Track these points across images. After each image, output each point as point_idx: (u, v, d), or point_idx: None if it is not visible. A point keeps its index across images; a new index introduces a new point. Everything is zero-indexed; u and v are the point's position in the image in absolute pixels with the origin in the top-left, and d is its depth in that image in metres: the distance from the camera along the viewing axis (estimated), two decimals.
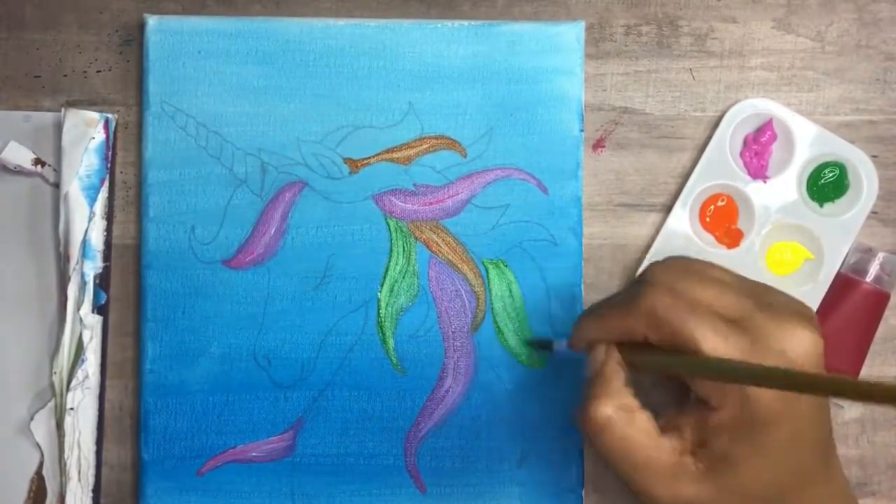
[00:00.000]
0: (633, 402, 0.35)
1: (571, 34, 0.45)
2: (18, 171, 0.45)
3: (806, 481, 0.35)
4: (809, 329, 0.34)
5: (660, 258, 0.44)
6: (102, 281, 0.44)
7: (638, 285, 0.36)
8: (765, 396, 0.33)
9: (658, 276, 0.35)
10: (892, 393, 0.27)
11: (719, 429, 0.34)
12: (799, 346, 0.33)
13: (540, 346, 0.44)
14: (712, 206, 0.45)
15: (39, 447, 0.44)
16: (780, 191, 0.45)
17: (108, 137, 0.45)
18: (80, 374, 0.43)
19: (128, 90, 0.45)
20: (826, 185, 0.45)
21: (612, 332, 0.36)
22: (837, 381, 0.29)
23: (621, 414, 0.35)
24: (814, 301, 0.45)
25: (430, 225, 0.44)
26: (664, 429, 0.36)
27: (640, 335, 0.35)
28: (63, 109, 0.44)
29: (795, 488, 0.35)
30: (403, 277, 0.44)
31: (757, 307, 0.34)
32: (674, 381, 0.40)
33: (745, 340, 0.33)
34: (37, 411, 0.44)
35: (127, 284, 0.45)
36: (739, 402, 0.33)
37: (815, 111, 0.46)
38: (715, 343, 0.33)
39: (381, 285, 0.44)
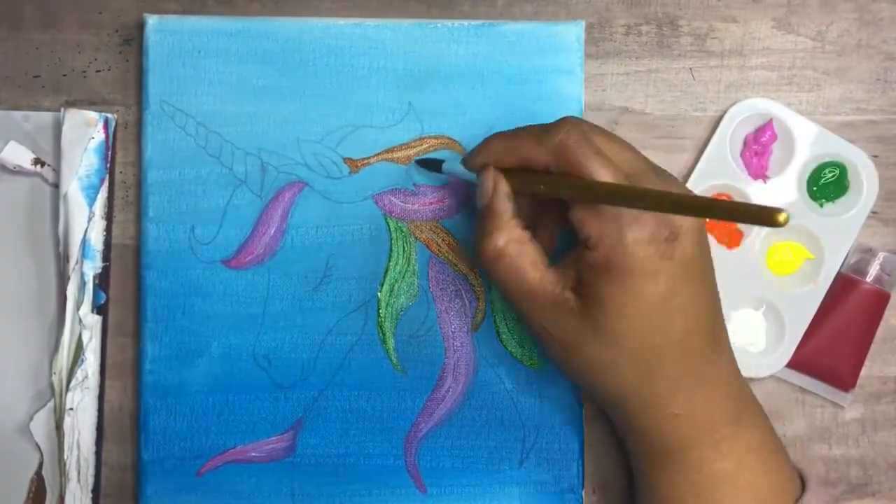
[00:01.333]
0: (522, 235, 0.38)
1: (571, 34, 0.45)
2: (18, 171, 0.45)
3: (685, 353, 0.36)
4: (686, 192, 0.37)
5: None
6: (102, 281, 0.44)
7: (551, 124, 0.37)
8: (640, 248, 0.35)
9: (573, 122, 0.37)
10: (753, 212, 0.29)
11: (594, 268, 0.36)
12: None
13: (427, 165, 0.44)
14: None
15: (39, 447, 0.44)
16: (781, 191, 0.45)
17: (107, 137, 0.45)
18: (79, 374, 0.43)
19: (127, 90, 0.45)
20: (826, 185, 0.45)
21: (517, 153, 0.38)
22: (708, 201, 0.32)
23: (512, 246, 0.37)
24: (814, 301, 0.45)
25: (430, 225, 0.44)
26: (553, 265, 0.38)
27: (542, 164, 0.37)
28: (63, 109, 0.44)
29: (671, 355, 0.36)
30: (403, 277, 0.44)
31: (651, 168, 0.37)
32: (550, 213, 0.41)
33: None
34: (36, 411, 0.44)
35: (127, 284, 0.45)
36: (614, 244, 0.35)
37: (816, 111, 0.46)
38: (612, 182, 0.35)
39: (381, 285, 0.44)
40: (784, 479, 0.38)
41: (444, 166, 0.42)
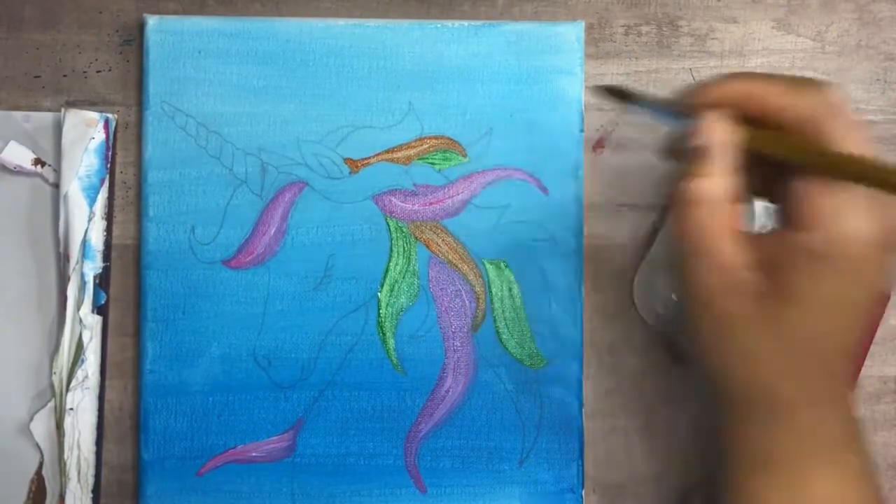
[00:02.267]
0: (733, 192, 0.32)
1: (571, 34, 0.45)
2: (18, 171, 0.45)
3: (839, 367, 0.33)
4: None
5: (660, 260, 0.44)
6: (102, 281, 0.44)
7: (810, 79, 0.33)
8: (869, 247, 0.30)
9: (830, 85, 0.33)
10: None
11: (799, 252, 0.31)
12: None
13: (612, 93, 0.38)
14: None
15: (39, 447, 0.44)
16: None
17: (107, 137, 0.45)
18: (79, 374, 0.43)
19: (128, 90, 0.45)
20: None
21: (759, 101, 0.32)
22: None
23: (720, 199, 0.32)
24: None
25: (430, 225, 0.44)
26: (748, 236, 0.33)
27: (792, 119, 0.32)
28: (63, 109, 0.44)
29: (828, 365, 0.33)
30: (403, 277, 0.44)
31: None
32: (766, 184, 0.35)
33: None
34: (36, 411, 0.44)
35: (127, 285, 0.45)
36: (842, 232, 0.30)
37: None
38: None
39: (381, 285, 0.44)
40: None
41: (641, 102, 0.37)
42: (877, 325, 0.45)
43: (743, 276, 0.32)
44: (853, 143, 0.31)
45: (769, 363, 0.32)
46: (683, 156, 0.34)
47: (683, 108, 0.34)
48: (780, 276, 0.31)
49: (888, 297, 0.45)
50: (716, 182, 0.32)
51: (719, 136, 0.33)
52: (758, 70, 0.46)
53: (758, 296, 0.32)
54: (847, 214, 0.31)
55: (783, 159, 0.32)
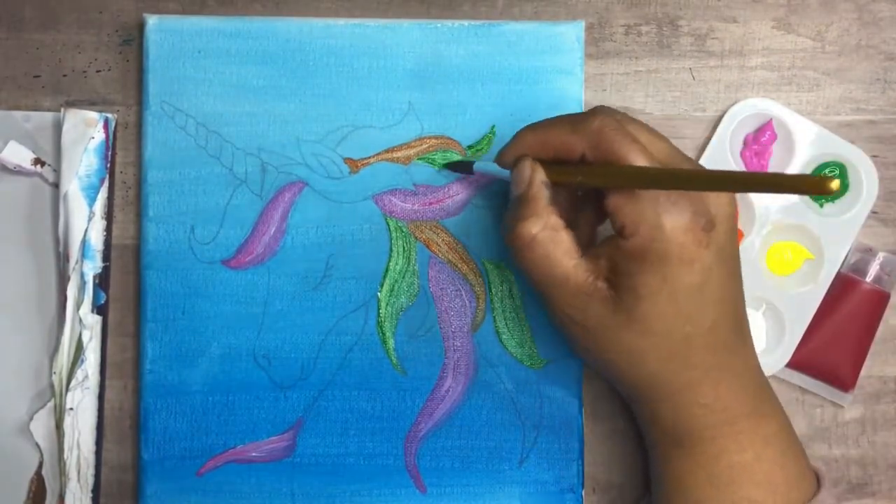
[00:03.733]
0: (557, 222, 0.37)
1: (571, 34, 0.45)
2: (18, 171, 0.45)
3: (713, 343, 0.37)
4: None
5: None
6: (102, 281, 0.44)
7: (584, 113, 0.38)
8: (677, 235, 0.35)
9: (607, 111, 0.37)
10: (798, 182, 0.30)
11: (630, 257, 0.35)
12: (713, 199, 0.36)
13: (457, 169, 0.44)
14: None
15: (39, 447, 0.44)
16: None
17: (107, 137, 0.45)
18: (79, 374, 0.43)
19: (127, 90, 0.45)
20: None
21: (551, 142, 0.38)
22: (752, 176, 0.32)
23: (546, 233, 0.37)
24: (814, 301, 0.45)
25: (430, 225, 0.44)
26: (586, 254, 0.37)
27: (577, 152, 0.37)
28: (63, 109, 0.44)
29: (700, 345, 0.36)
30: (403, 277, 0.44)
31: (684, 158, 0.37)
32: (589, 204, 0.41)
33: None
34: (36, 411, 0.44)
35: (127, 284, 0.45)
36: (651, 232, 0.35)
37: (816, 111, 0.46)
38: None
39: (381, 285, 0.44)
40: (800, 474, 0.38)
41: (476, 166, 0.42)
42: (876, 326, 0.45)
43: (596, 287, 0.37)
44: (632, 153, 0.35)
45: (645, 355, 0.37)
46: (514, 204, 0.38)
47: (505, 166, 0.40)
48: (624, 280, 0.36)
49: (888, 297, 0.45)
50: (540, 219, 0.37)
51: (528, 182, 0.38)
52: (757, 70, 0.46)
53: (613, 301, 0.36)
54: (654, 214, 0.35)
55: (582, 185, 0.38)
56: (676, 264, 0.35)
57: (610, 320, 0.36)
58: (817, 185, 0.29)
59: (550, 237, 0.37)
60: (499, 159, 0.40)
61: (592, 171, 0.37)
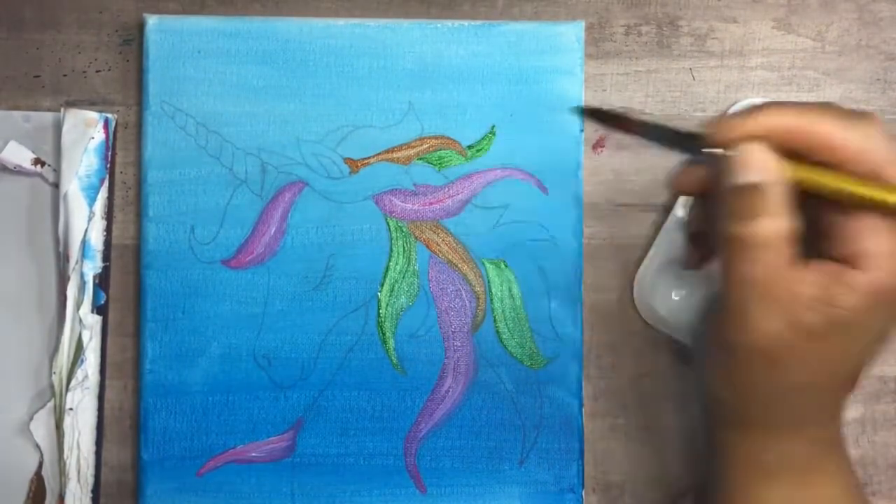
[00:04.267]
0: (792, 224, 0.30)
1: (571, 34, 0.45)
2: (18, 171, 0.45)
3: (855, 378, 0.33)
4: None
5: (659, 260, 0.44)
6: (102, 281, 0.44)
7: (858, 112, 0.31)
8: None
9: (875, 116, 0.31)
10: None
11: (854, 289, 0.30)
12: None
13: (596, 117, 0.35)
14: None
15: (39, 447, 0.44)
16: None
17: (107, 137, 0.45)
18: (79, 374, 0.43)
19: (127, 90, 0.45)
20: None
21: (812, 132, 0.31)
22: None
23: (779, 240, 0.30)
24: None
25: (430, 225, 0.44)
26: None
27: (840, 156, 0.30)
28: (63, 109, 0.44)
29: (854, 377, 0.33)
30: (403, 277, 0.44)
31: None
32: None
33: None
34: (36, 411, 0.44)
35: (127, 284, 0.45)
36: (892, 271, 0.30)
37: None
38: None
39: (381, 285, 0.44)
40: None
41: (640, 129, 0.33)
42: None
43: (806, 318, 0.31)
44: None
45: (803, 393, 0.32)
46: (699, 190, 0.33)
47: (705, 141, 0.32)
48: (835, 313, 0.30)
49: None
50: (776, 223, 0.30)
51: (772, 172, 0.31)
52: (757, 70, 0.46)
53: (812, 333, 0.31)
54: None
55: (834, 197, 0.31)
56: None
57: (802, 352, 0.31)
58: None
59: (781, 248, 0.30)
60: (717, 133, 0.31)
61: (849, 183, 0.30)
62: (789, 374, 0.32)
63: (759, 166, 0.31)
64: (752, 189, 0.30)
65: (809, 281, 0.31)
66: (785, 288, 0.30)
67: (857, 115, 0.31)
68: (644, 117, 0.35)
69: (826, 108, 0.31)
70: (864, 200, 0.30)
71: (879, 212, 0.30)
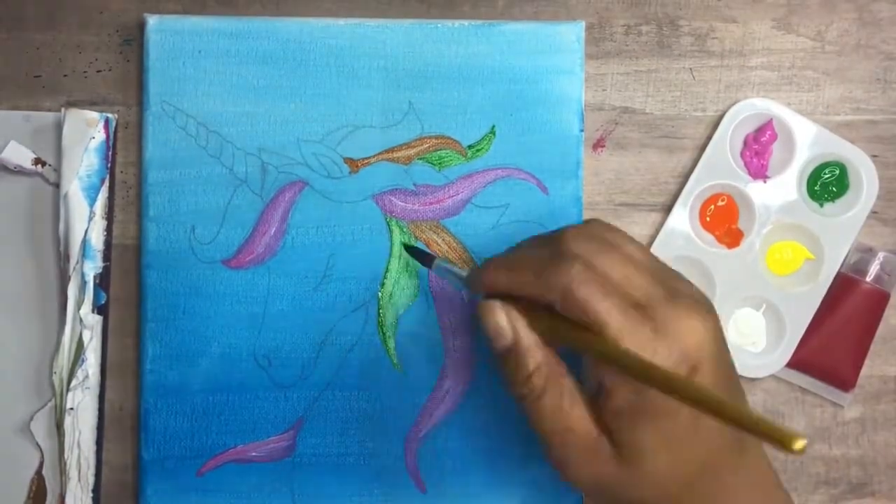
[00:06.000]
0: (560, 369, 0.35)
1: (571, 34, 0.45)
2: (18, 171, 0.45)
3: (715, 470, 0.34)
4: (705, 319, 0.34)
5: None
6: (102, 281, 0.44)
7: (555, 252, 0.35)
8: (660, 376, 0.32)
9: (576, 247, 0.35)
10: (761, 428, 0.28)
11: (619, 415, 0.34)
12: (692, 337, 0.33)
13: (415, 255, 0.42)
14: (712, 206, 0.45)
15: (39, 447, 0.44)
16: (781, 191, 0.45)
17: (108, 137, 0.45)
18: (79, 374, 0.43)
19: (128, 90, 0.45)
20: (826, 184, 0.45)
21: (520, 290, 0.36)
22: (715, 401, 0.30)
23: (553, 384, 0.35)
24: (814, 301, 0.45)
25: (431, 225, 0.44)
26: (587, 403, 0.35)
27: (546, 303, 0.35)
28: (63, 109, 0.44)
29: (704, 478, 0.34)
30: (403, 277, 0.44)
31: (664, 294, 0.34)
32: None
33: (648, 328, 0.33)
34: (37, 411, 0.44)
35: (127, 284, 0.45)
36: (631, 394, 0.33)
37: (816, 111, 0.46)
38: (622, 328, 0.33)
39: (381, 285, 0.44)
40: None
41: (436, 268, 0.41)
42: (876, 325, 0.45)
43: (601, 442, 0.34)
44: (605, 318, 0.33)
45: (656, 500, 0.35)
46: (505, 355, 0.36)
47: (476, 293, 0.37)
48: (618, 437, 0.34)
49: (888, 297, 0.45)
50: (542, 370, 0.35)
51: (513, 336, 0.35)
52: (757, 70, 0.46)
53: (615, 457, 0.34)
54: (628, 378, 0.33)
55: (555, 343, 0.35)
56: (663, 416, 0.33)
57: (619, 477, 0.34)
58: (785, 442, 0.27)
59: (557, 387, 0.35)
60: (470, 286, 0.38)
61: (561, 329, 0.34)
62: (623, 492, 0.35)
63: (502, 331, 0.36)
64: (513, 352, 0.36)
65: (589, 410, 0.35)
66: (570, 424, 0.35)
67: (554, 263, 0.34)
68: (438, 261, 0.41)
69: (529, 259, 0.35)
70: (578, 347, 0.34)
71: (594, 357, 0.34)
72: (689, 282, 0.36)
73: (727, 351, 0.35)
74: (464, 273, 0.39)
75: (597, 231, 0.36)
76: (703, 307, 0.34)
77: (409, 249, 0.43)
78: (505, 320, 0.36)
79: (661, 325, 0.33)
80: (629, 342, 0.33)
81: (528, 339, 0.35)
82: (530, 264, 0.35)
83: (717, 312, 0.36)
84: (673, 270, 0.37)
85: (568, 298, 0.34)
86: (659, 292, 0.34)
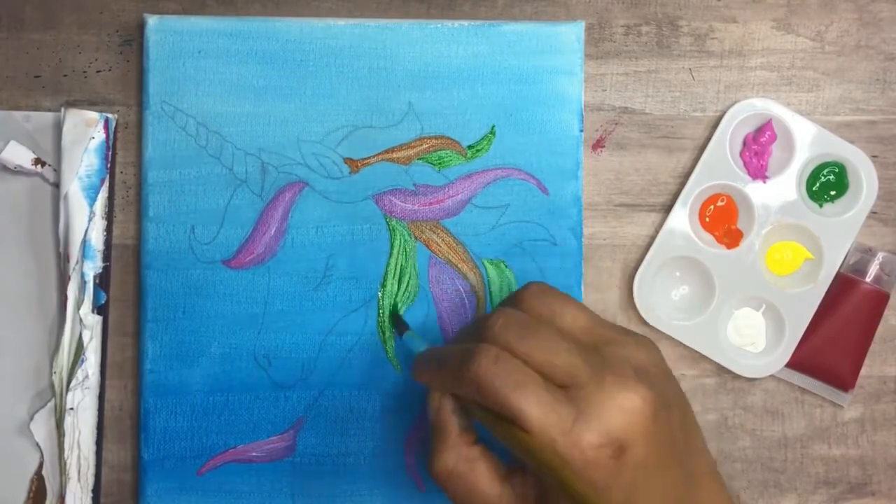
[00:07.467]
0: (473, 452, 0.35)
1: (571, 34, 0.45)
2: (18, 171, 0.45)
3: None
4: (635, 392, 0.33)
5: (659, 260, 0.44)
6: (102, 281, 0.44)
7: (475, 340, 0.34)
8: (584, 471, 0.32)
9: (496, 332, 0.34)
10: None
11: (548, 489, 0.34)
12: (619, 418, 0.32)
13: (395, 325, 0.43)
14: (712, 206, 0.45)
15: (39, 447, 0.44)
16: (780, 191, 0.45)
17: (108, 137, 0.45)
18: (79, 374, 0.43)
19: (128, 90, 0.45)
20: (826, 184, 0.45)
21: (443, 388, 0.36)
22: None
23: (463, 465, 0.35)
24: (814, 301, 0.45)
25: (430, 225, 0.44)
26: (512, 474, 0.35)
27: (470, 397, 0.34)
28: (63, 109, 0.44)
29: None
30: (403, 277, 0.44)
31: (590, 371, 0.33)
32: None
33: (570, 412, 0.32)
34: (37, 411, 0.44)
35: (127, 284, 0.45)
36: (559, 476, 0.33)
37: (815, 111, 0.46)
38: (539, 416, 0.32)
39: (382, 285, 0.44)
40: None
41: (406, 339, 0.41)
42: (876, 326, 0.45)
43: None
44: (520, 404, 0.32)
45: None
46: (431, 434, 0.37)
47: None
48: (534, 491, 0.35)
49: (887, 297, 0.45)
50: (453, 451, 0.35)
51: (436, 411, 0.36)
52: (756, 70, 0.46)
53: None
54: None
55: (487, 427, 0.35)
56: (594, 494, 0.32)
57: None
58: None
59: (469, 469, 0.35)
60: (413, 372, 0.38)
61: (485, 417, 0.34)
62: None
63: (430, 406, 0.36)
64: (432, 429, 0.36)
65: (512, 489, 0.35)
66: (487, 498, 0.35)
67: (468, 353, 0.33)
68: (408, 334, 0.41)
69: (453, 352, 0.35)
70: (496, 434, 0.34)
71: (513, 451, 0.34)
72: (630, 338, 0.35)
73: (672, 413, 0.34)
74: (419, 351, 0.39)
75: (528, 304, 0.36)
76: (635, 377, 0.33)
77: (393, 316, 0.44)
78: (435, 397, 0.36)
79: (585, 407, 0.32)
80: (550, 431, 0.32)
81: (449, 419, 0.36)
82: (454, 358, 0.34)
83: (662, 353, 0.36)
84: (612, 329, 0.36)
85: (481, 393, 0.33)
86: (584, 370, 0.33)
